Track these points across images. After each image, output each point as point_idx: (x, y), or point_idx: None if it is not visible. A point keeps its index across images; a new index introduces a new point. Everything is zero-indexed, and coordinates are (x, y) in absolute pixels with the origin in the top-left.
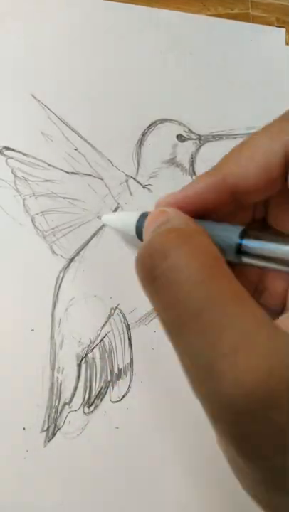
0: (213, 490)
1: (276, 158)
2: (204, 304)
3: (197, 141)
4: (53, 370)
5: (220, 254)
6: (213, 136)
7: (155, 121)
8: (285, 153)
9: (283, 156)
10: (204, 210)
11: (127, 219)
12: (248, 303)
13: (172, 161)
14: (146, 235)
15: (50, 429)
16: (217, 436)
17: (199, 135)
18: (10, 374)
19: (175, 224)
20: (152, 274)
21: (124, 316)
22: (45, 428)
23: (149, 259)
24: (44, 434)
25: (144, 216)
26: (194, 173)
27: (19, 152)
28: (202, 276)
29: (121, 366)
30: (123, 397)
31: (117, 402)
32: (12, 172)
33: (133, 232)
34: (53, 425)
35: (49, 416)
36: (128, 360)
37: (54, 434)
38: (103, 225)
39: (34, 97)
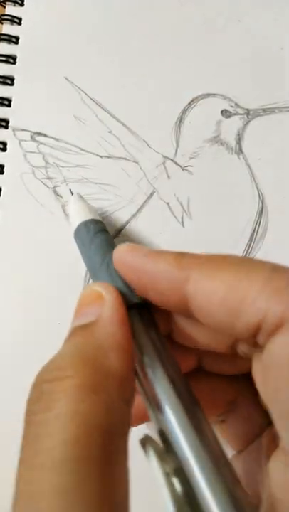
0: None
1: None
2: (49, 491)
3: (245, 116)
4: None
5: (124, 423)
6: (264, 110)
7: (197, 97)
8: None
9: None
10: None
11: (73, 219)
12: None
13: (216, 139)
14: (74, 317)
15: None
16: None
17: (247, 109)
18: (36, 369)
19: (101, 335)
20: (30, 415)
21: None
22: None
23: (34, 391)
24: None
25: (86, 225)
26: (242, 151)
27: (51, 137)
28: (68, 454)
29: None
30: None
31: None
32: (43, 158)
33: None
34: None
35: None
36: None
37: None
38: (136, 213)
39: (68, 80)
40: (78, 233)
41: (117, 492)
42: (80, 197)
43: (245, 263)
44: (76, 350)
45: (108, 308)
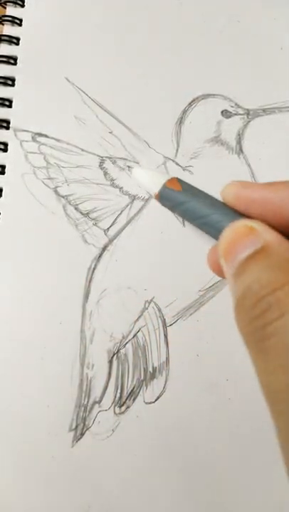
0: (250, 492)
1: None
2: None
3: (245, 117)
4: (82, 365)
5: None
6: (264, 110)
7: (197, 97)
8: None
9: None
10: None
11: (154, 180)
12: None
13: (216, 140)
14: (229, 260)
15: (79, 429)
16: None
17: (247, 109)
18: (37, 368)
19: (278, 254)
20: (262, 331)
21: (159, 309)
22: (74, 427)
23: (258, 311)
24: (72, 433)
25: (172, 182)
26: (242, 151)
27: (52, 138)
28: None
29: (156, 364)
30: (157, 398)
31: (151, 403)
32: (44, 159)
33: (155, 195)
34: (81, 424)
35: (78, 414)
36: (164, 359)
37: (82, 434)
38: (138, 212)
39: (68, 80)
40: (166, 195)
41: None
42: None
43: None
44: (271, 266)
45: (268, 233)
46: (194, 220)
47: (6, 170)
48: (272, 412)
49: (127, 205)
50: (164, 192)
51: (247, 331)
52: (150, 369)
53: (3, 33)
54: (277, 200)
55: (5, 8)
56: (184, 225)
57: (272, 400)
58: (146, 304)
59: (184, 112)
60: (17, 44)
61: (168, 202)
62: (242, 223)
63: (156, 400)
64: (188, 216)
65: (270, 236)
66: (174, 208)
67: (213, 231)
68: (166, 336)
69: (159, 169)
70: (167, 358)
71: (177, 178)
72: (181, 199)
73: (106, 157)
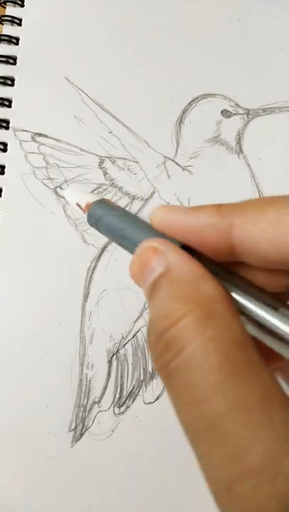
0: None
1: None
2: (224, 412)
3: (245, 116)
4: (82, 366)
5: (246, 334)
6: (264, 110)
7: (197, 97)
8: None
9: None
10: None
11: (83, 201)
12: (277, 408)
13: (216, 139)
14: (141, 284)
15: (78, 429)
16: None
17: (247, 109)
18: (37, 369)
19: (178, 278)
20: (165, 369)
21: None
22: (73, 427)
23: (158, 349)
24: (71, 433)
25: (100, 204)
26: (242, 151)
27: (51, 138)
28: (222, 376)
29: None
30: (157, 398)
31: (150, 403)
32: (44, 159)
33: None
34: (81, 424)
35: (77, 415)
36: None
37: (82, 434)
38: (137, 212)
39: (68, 80)
40: (92, 218)
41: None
42: (71, 187)
43: (284, 199)
44: (170, 295)
45: (171, 254)
46: (112, 234)
47: (5, 170)
48: (190, 446)
49: (127, 205)
50: (91, 212)
51: (156, 367)
52: (150, 369)
53: (3, 33)
54: (199, 226)
55: (4, 7)
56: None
57: (185, 434)
58: (146, 304)
59: (184, 111)
60: (17, 44)
61: (91, 219)
62: (148, 243)
63: (155, 400)
64: (106, 231)
65: (173, 257)
66: (95, 223)
67: (130, 246)
68: None
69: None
70: None
71: (104, 199)
72: (99, 214)
73: (106, 157)
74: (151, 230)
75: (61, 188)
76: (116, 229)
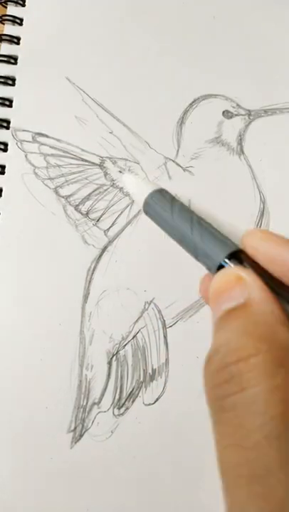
0: None
1: None
2: (273, 467)
3: (246, 117)
4: (81, 366)
5: None
6: (265, 111)
7: (198, 98)
8: None
9: None
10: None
11: (142, 188)
12: None
13: (217, 140)
14: (214, 307)
15: (78, 430)
16: None
17: (249, 110)
18: (36, 369)
19: (256, 315)
20: (221, 401)
21: (159, 311)
22: (72, 428)
23: (220, 379)
24: (71, 434)
25: (158, 193)
26: (243, 152)
27: (52, 138)
28: (280, 429)
29: (155, 366)
30: (157, 400)
31: (150, 405)
32: (45, 159)
33: (141, 203)
34: (80, 426)
35: (76, 416)
36: (163, 360)
37: (81, 435)
38: (138, 213)
39: (69, 80)
40: (151, 206)
41: None
42: (133, 173)
43: None
44: (246, 329)
45: (255, 288)
46: (175, 236)
47: (5, 170)
48: (221, 483)
49: (128, 206)
50: (149, 202)
51: (209, 396)
52: (150, 370)
53: (4, 33)
54: None
55: (6, 7)
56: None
57: (222, 473)
58: (146, 305)
59: (185, 112)
60: (18, 43)
61: (152, 213)
62: (233, 271)
63: (155, 402)
64: (170, 231)
65: (257, 292)
66: (157, 220)
67: (193, 250)
68: (165, 338)
69: (150, 179)
70: (167, 360)
71: (164, 189)
72: (165, 213)
73: (106, 157)
74: (225, 241)
75: (121, 172)
76: (178, 227)
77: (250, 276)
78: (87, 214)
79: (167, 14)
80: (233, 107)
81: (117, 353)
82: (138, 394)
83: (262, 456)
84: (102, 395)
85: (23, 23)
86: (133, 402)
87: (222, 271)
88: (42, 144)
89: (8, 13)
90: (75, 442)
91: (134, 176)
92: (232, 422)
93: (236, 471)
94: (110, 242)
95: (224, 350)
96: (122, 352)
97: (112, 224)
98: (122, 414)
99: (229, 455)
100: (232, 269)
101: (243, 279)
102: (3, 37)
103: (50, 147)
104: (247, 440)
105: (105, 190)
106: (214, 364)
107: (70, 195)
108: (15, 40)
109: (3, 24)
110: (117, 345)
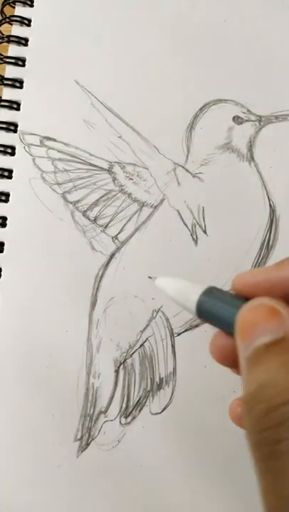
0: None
1: None
2: None
3: (257, 123)
4: (88, 375)
5: None
6: (276, 117)
7: (208, 103)
8: None
9: None
10: None
11: (187, 292)
12: None
13: (227, 146)
14: (245, 341)
15: (84, 439)
16: None
17: (260, 116)
18: (43, 377)
19: None
20: (273, 447)
21: (167, 319)
22: (79, 437)
23: (270, 422)
24: (77, 443)
25: (210, 292)
26: (253, 159)
27: (60, 142)
28: None
29: (162, 375)
30: (164, 409)
31: (157, 414)
32: (52, 164)
33: (193, 309)
34: (87, 434)
35: (83, 424)
36: (171, 369)
37: (88, 444)
38: (147, 219)
39: (78, 83)
40: (205, 307)
41: None
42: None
43: None
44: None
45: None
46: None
47: (13, 174)
48: None
49: (136, 212)
50: (201, 305)
51: (255, 440)
52: (157, 379)
53: (12, 34)
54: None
55: (14, 7)
56: (192, 232)
57: None
58: (154, 314)
59: (195, 117)
60: (25, 45)
61: (208, 316)
62: (264, 301)
63: (162, 411)
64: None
65: None
66: (216, 322)
67: None
68: (173, 346)
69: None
70: (174, 369)
71: (212, 287)
72: (222, 312)
73: (115, 162)
74: None
75: (150, 277)
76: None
77: (284, 308)
78: (95, 220)
79: (178, 17)
80: (244, 113)
81: (124, 361)
82: (145, 403)
83: None
84: (109, 403)
85: (31, 23)
86: (140, 411)
87: (251, 302)
88: (50, 148)
89: (16, 13)
90: (82, 451)
91: (171, 279)
92: (280, 471)
93: None
94: (118, 248)
95: (271, 391)
96: (129, 360)
97: (121, 230)
98: (129, 423)
99: (275, 505)
100: (264, 300)
101: (276, 311)
102: (11, 38)
103: (58, 151)
104: None
105: (114, 195)
106: (261, 405)
107: (78, 201)
108: (23, 41)
109: (11, 25)
110: (125, 354)
